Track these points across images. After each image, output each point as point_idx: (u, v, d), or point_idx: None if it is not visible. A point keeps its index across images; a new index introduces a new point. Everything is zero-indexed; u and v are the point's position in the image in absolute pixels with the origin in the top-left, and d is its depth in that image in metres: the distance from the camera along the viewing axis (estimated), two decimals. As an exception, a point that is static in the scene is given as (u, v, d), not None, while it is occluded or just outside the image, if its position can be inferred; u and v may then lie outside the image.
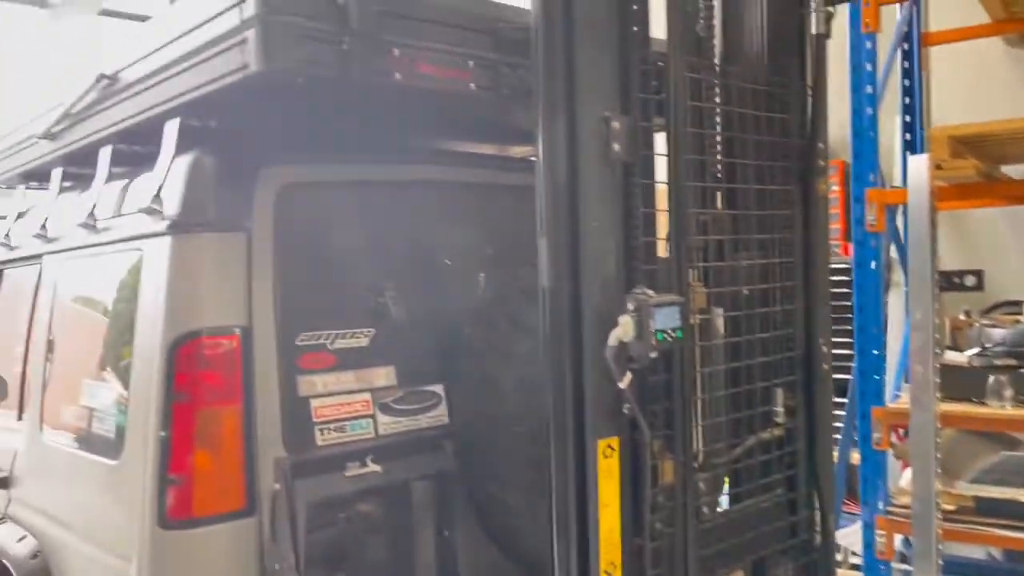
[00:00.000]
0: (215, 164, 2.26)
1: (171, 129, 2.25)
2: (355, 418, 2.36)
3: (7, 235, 3.26)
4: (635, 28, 1.90)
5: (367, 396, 2.40)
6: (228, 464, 2.14)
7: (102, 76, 2.54)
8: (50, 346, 2.77)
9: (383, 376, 2.45)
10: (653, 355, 1.77)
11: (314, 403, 2.30)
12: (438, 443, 2.42)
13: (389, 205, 2.57)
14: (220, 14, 2.02)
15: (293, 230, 2.32)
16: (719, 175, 2.17)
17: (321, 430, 2.29)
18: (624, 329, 1.73)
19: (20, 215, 3.27)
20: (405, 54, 2.10)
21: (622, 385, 1.75)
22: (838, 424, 3.57)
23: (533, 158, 3.27)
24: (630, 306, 1.74)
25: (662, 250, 1.95)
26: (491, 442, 2.27)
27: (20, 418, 2.96)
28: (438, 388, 2.54)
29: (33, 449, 2.75)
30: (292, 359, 2.28)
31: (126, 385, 2.29)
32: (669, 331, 1.77)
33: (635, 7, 1.90)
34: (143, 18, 4.21)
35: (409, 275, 2.58)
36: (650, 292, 1.77)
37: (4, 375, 3.30)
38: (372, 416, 2.40)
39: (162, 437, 2.11)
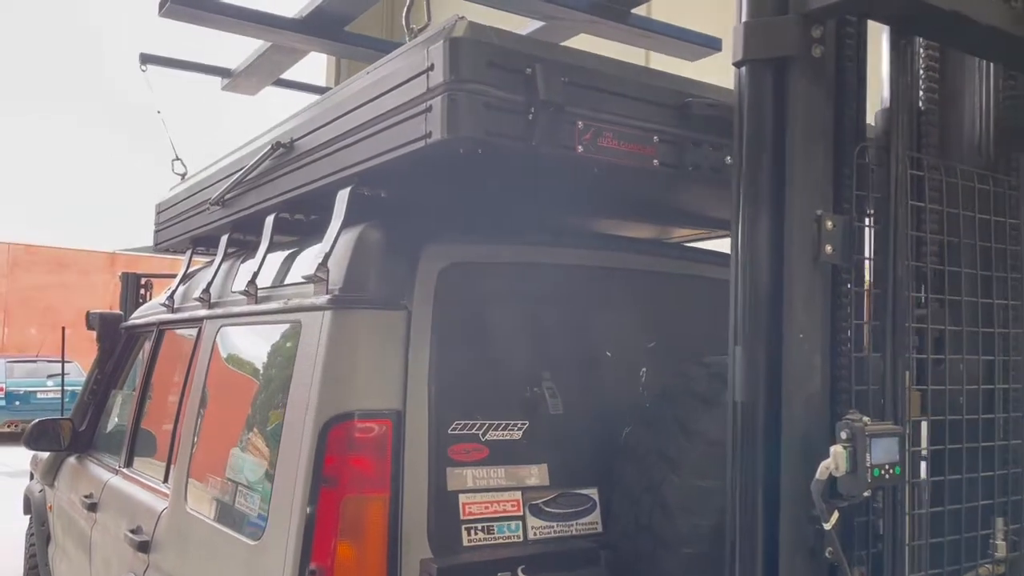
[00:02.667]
0: (381, 239, 2.19)
1: (343, 198, 2.20)
2: (504, 519, 2.19)
3: (171, 297, 3.32)
4: (852, 112, 1.70)
5: (517, 495, 2.23)
6: (371, 559, 2.01)
7: (278, 144, 2.55)
8: (201, 413, 2.75)
9: (535, 474, 2.27)
10: (866, 493, 1.52)
11: (462, 499, 2.15)
12: (591, 555, 2.21)
13: (552, 290, 2.43)
14: (406, 82, 1.98)
15: (452, 311, 2.21)
16: (938, 283, 1.90)
17: (468, 529, 2.13)
18: (835, 461, 1.49)
19: (184, 277, 3.34)
20: (588, 127, 1.99)
21: (827, 526, 1.51)
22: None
23: (694, 243, 3.13)
24: (843, 434, 1.51)
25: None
26: (653, 563, 2.04)
27: (166, 480, 2.95)
28: (592, 492, 2.34)
29: (176, 515, 2.71)
30: (443, 449, 2.14)
31: (273, 463, 2.21)
32: (886, 466, 1.52)
33: (852, 81, 1.70)
34: (313, 88, 4.33)
35: (567, 365, 2.42)
36: (865, 418, 1.53)
37: (155, 432, 3.34)
38: (522, 518, 2.21)
39: (306, 522, 2.00)
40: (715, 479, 2.01)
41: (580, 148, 1.98)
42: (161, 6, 2.93)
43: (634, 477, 2.20)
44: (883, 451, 1.51)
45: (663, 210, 2.68)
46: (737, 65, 1.67)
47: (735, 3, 1.71)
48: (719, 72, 2.22)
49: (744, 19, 1.66)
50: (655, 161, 2.10)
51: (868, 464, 1.50)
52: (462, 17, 1.90)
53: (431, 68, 1.88)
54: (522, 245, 2.40)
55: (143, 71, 3.72)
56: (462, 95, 1.83)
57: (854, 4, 1.58)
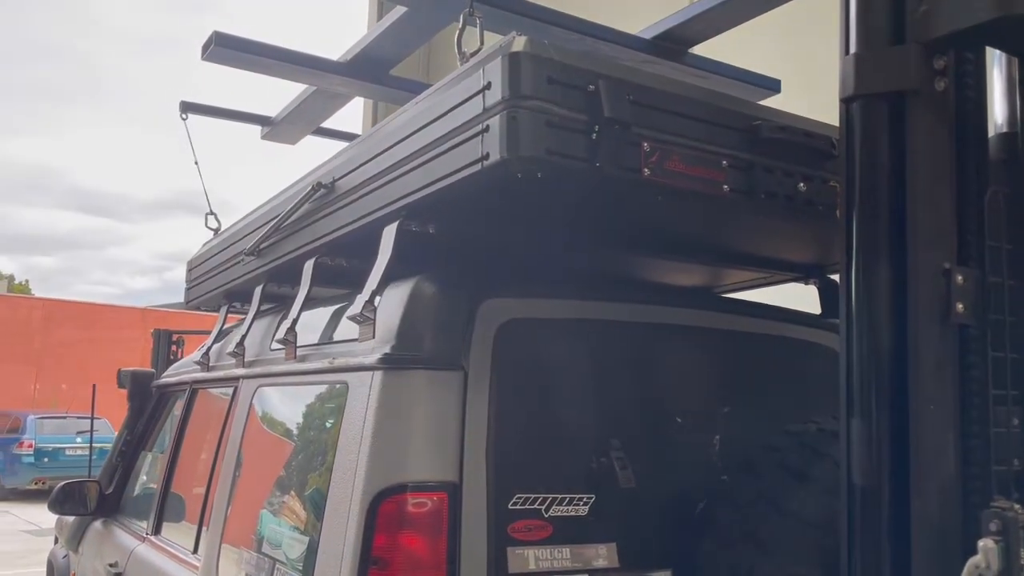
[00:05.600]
0: (436, 291, 2.01)
1: (389, 233, 2.02)
2: (571, 607, 1.97)
3: (205, 354, 3.16)
4: (975, 153, 1.51)
5: (584, 579, 2.01)
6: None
7: (319, 185, 2.40)
8: (235, 480, 2.56)
9: (603, 555, 2.05)
10: (1022, 596, 1.29)
11: (525, 584, 1.93)
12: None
13: (619, 350, 2.23)
14: (461, 104, 1.82)
15: (512, 371, 2.02)
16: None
17: (533, 621, 1.91)
18: (986, 558, 1.26)
19: (219, 335, 3.18)
20: (655, 149, 1.81)
21: (977, 636, 1.27)
22: None
23: (752, 289, 2.91)
24: (992, 526, 1.28)
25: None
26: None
27: (195, 550, 2.75)
28: (665, 575, 2.11)
29: (207, 594, 2.51)
30: (502, 526, 1.93)
31: (315, 539, 2.00)
32: (1043, 564, 1.29)
33: (974, 118, 1.51)
34: (353, 137, 4.22)
35: (635, 433, 2.21)
36: (1016, 506, 1.31)
37: (186, 498, 3.15)
38: (591, 606, 1.99)
39: None
40: (813, 566, 1.80)
41: (647, 171, 1.80)
42: (204, 50, 2.82)
43: (715, 559, 1.98)
44: (1040, 545, 1.29)
45: (727, 249, 2.47)
46: (847, 101, 1.49)
47: (839, 34, 1.54)
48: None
49: (854, 50, 1.48)
50: (725, 187, 1.91)
51: (1022, 561, 1.27)
52: (519, 33, 1.76)
53: (488, 87, 1.73)
54: (588, 300, 2.21)
55: (183, 119, 3.62)
56: (523, 112, 1.67)
57: (986, 32, 1.39)
